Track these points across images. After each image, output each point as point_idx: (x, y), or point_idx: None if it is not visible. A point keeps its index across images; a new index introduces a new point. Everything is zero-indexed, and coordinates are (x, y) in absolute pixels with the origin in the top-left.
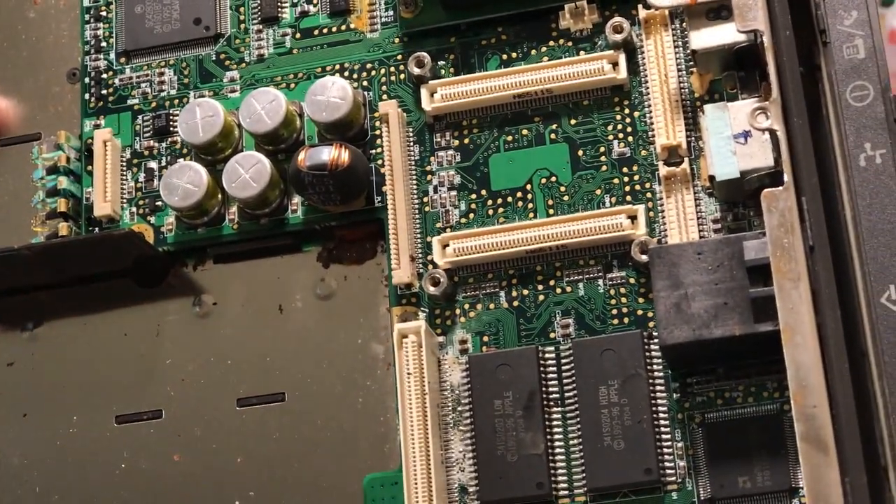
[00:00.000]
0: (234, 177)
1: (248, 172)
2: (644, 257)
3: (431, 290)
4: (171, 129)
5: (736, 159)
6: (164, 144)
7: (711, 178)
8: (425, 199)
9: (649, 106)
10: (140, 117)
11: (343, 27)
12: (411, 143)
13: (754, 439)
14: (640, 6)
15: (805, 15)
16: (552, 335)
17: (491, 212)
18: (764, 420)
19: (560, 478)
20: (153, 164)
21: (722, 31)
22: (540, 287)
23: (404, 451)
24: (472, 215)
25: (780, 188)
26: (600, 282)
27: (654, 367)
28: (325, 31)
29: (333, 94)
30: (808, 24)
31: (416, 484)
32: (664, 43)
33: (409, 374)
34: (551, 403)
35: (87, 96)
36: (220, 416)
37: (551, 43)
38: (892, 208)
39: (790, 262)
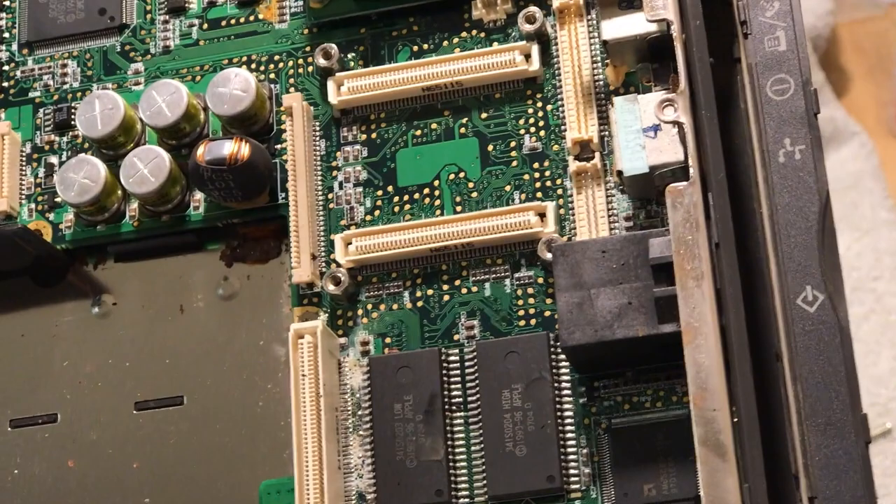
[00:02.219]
0: (132, 172)
1: (147, 167)
2: (550, 255)
3: (332, 289)
4: (73, 122)
5: (645, 154)
6: (65, 139)
7: (620, 173)
8: (330, 196)
9: (562, 99)
10: (41, 110)
11: (251, 18)
12: (317, 138)
13: (662, 445)
14: None
15: (726, 6)
16: (456, 337)
17: (397, 209)
18: (672, 426)
19: (461, 485)
20: (54, 159)
21: (634, 21)
22: (445, 287)
23: (297, 457)
24: (377, 212)
25: (685, 183)
26: (507, 281)
27: (561, 370)
28: (232, 21)
29: (236, 86)
30: (729, 16)
31: (308, 491)
32: (578, 33)
33: (303, 376)
34: (453, 408)
35: None
36: (117, 421)
37: (463, 34)
38: (810, 206)
39: (693, 259)
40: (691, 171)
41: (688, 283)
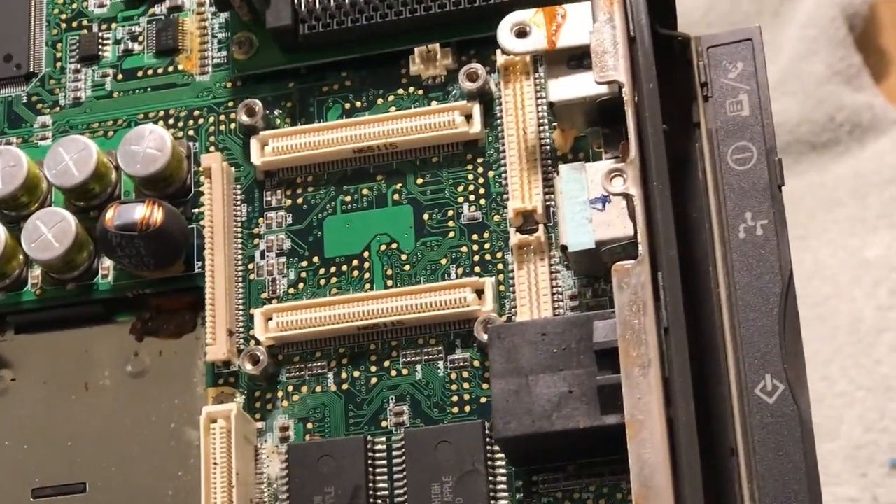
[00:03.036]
0: (35, 236)
1: (51, 231)
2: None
3: (250, 368)
4: None
5: (591, 228)
6: None
7: (564, 248)
8: (251, 266)
9: (505, 164)
10: None
11: (170, 68)
12: (238, 202)
13: None
14: (499, 51)
15: (686, 65)
16: (384, 423)
17: (323, 281)
18: None
19: None
20: None
21: (583, 82)
22: (373, 368)
23: None
24: (301, 285)
25: (633, 262)
26: (441, 364)
27: (496, 462)
28: (149, 72)
29: (150, 144)
30: (689, 76)
31: None
32: (524, 93)
33: (215, 464)
34: (378, 502)
35: None
36: None
37: (400, 91)
38: (772, 287)
39: (640, 346)
40: (640, 247)
41: (633, 371)
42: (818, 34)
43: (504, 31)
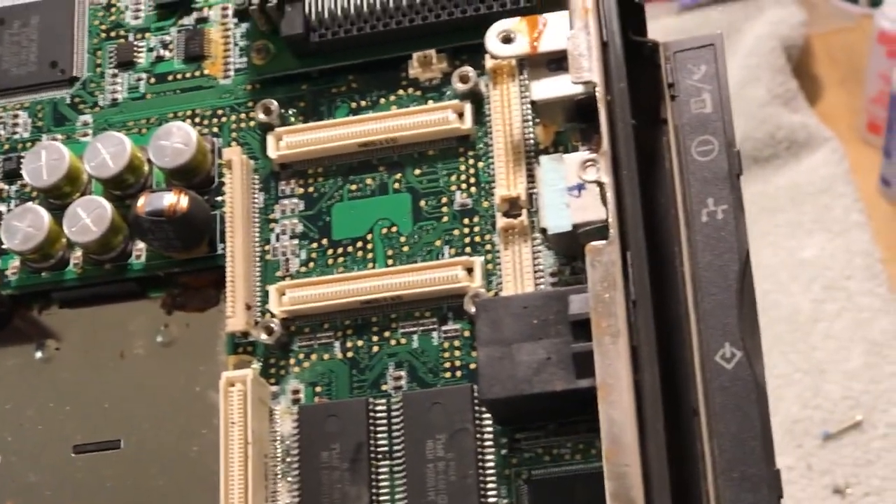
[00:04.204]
0: (75, 221)
1: (89, 217)
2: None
3: (265, 338)
4: (21, 172)
5: (569, 212)
6: (13, 188)
7: (544, 230)
8: (266, 248)
9: (493, 157)
10: None
11: (197, 73)
12: (256, 191)
13: (580, 497)
14: (488, 56)
15: (654, 68)
16: (384, 387)
17: (331, 261)
18: (590, 478)
19: None
20: (2, 207)
21: (561, 82)
22: (375, 338)
23: (223, 503)
24: (311, 264)
25: (604, 242)
26: (435, 334)
27: (484, 421)
28: (179, 76)
29: (177, 139)
30: (657, 77)
31: None
32: (511, 93)
33: (233, 423)
34: (379, 457)
35: None
36: (56, 463)
37: (400, 92)
38: (731, 265)
39: (610, 317)
40: (611, 230)
41: (604, 339)
42: (760, 62)
43: (491, 38)
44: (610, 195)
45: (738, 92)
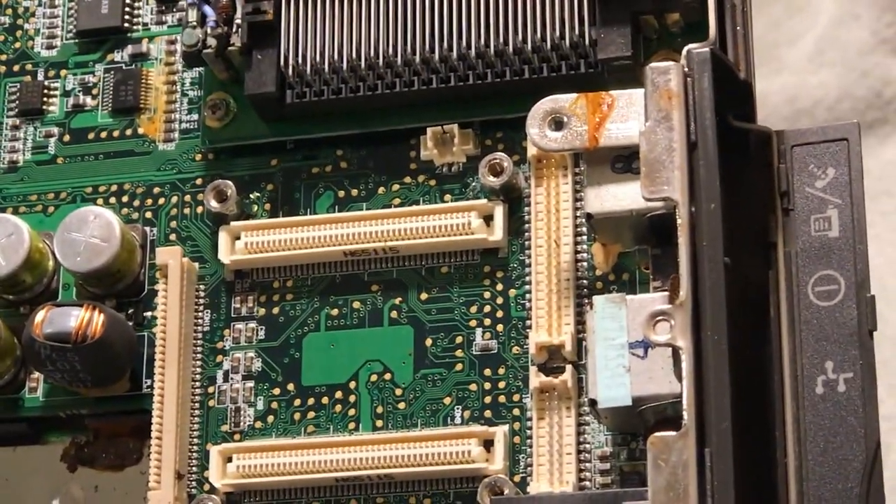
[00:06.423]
0: None
1: None
2: None
3: None
4: None
5: (628, 379)
6: None
7: (593, 402)
8: (211, 390)
9: (530, 283)
10: None
11: (129, 131)
12: (200, 308)
13: None
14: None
15: (764, 168)
16: None
17: (298, 416)
18: None
19: None
20: None
21: (630, 191)
22: None
23: None
24: (270, 419)
25: (674, 434)
26: None
27: None
28: (103, 134)
29: (94, 232)
30: (767, 182)
31: None
32: (560, 193)
33: None
34: None
35: None
36: None
37: (407, 179)
38: (852, 460)
39: None
40: (684, 414)
41: None
42: None
43: (535, 121)
44: (686, 365)
45: (832, 35)
